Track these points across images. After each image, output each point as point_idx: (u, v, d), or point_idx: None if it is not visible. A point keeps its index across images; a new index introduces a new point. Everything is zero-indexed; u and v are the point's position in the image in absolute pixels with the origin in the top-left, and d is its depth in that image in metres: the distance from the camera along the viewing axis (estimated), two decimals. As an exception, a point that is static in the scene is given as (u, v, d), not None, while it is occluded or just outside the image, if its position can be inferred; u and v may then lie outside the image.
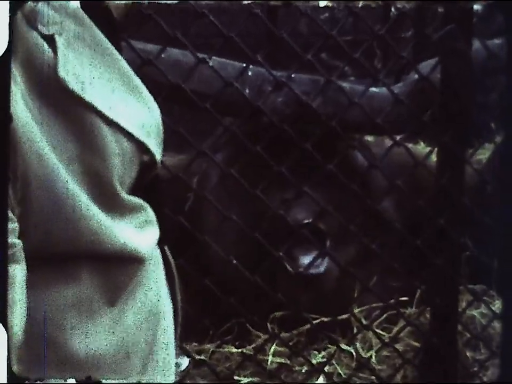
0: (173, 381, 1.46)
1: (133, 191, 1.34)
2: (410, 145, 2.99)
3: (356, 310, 2.95)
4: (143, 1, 2.23)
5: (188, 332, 1.63)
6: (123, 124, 1.27)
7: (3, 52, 1.17)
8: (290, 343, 2.85)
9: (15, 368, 1.17)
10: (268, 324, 2.92)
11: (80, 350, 1.26)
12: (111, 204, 1.28)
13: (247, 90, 2.70)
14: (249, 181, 2.59)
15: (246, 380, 2.80)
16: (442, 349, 2.67)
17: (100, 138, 1.24)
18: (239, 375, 2.78)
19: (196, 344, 2.92)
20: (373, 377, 2.80)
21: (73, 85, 1.22)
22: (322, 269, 2.89)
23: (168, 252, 1.49)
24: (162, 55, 2.48)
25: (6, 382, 1.17)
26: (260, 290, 2.60)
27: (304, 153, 2.58)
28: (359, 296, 2.89)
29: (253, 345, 2.92)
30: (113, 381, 1.30)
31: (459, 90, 2.62)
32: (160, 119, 1.38)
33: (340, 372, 2.83)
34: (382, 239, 2.86)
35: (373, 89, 2.83)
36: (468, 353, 2.85)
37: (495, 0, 2.98)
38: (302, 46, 2.58)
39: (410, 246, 2.72)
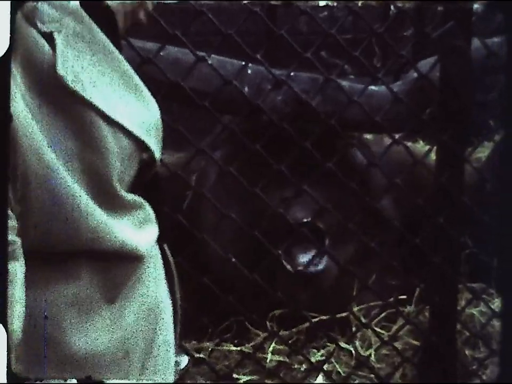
0: (173, 379, 1.46)
1: (132, 189, 1.34)
2: (409, 144, 2.99)
3: (355, 308, 2.95)
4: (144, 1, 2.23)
5: (187, 330, 1.63)
6: (122, 122, 1.27)
7: (4, 52, 1.17)
8: (289, 341, 2.86)
9: (14, 368, 1.17)
10: (267, 322, 2.92)
11: (79, 348, 1.26)
12: (110, 202, 1.28)
13: (246, 89, 2.70)
14: (248, 179, 2.59)
15: (245, 378, 2.80)
16: (441, 347, 2.67)
17: (99, 136, 1.24)
18: (238, 373, 2.78)
19: (195, 342, 2.92)
20: (372, 376, 2.80)
21: (72, 82, 1.22)
22: (321, 267, 2.89)
23: (167, 250, 1.49)
24: (162, 53, 2.48)
25: (5, 382, 1.17)
26: (259, 289, 2.60)
27: (304, 151, 2.57)
28: (358, 294, 2.89)
29: (252, 344, 2.92)
30: (115, 381, 1.30)
31: (458, 88, 2.62)
32: (160, 117, 1.38)
33: (339, 370, 2.83)
34: (381, 237, 2.86)
35: (372, 87, 2.83)
36: (467, 352, 2.85)
37: (495, 0, 2.98)
38: (302, 44, 2.58)
39: (410, 244, 2.72)
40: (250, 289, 2.61)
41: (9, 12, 1.18)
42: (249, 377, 2.80)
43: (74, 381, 1.25)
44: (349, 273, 2.81)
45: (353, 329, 2.93)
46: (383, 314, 2.97)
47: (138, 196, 1.35)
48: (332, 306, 2.90)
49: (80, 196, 1.23)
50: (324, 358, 2.86)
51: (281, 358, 2.85)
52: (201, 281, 2.53)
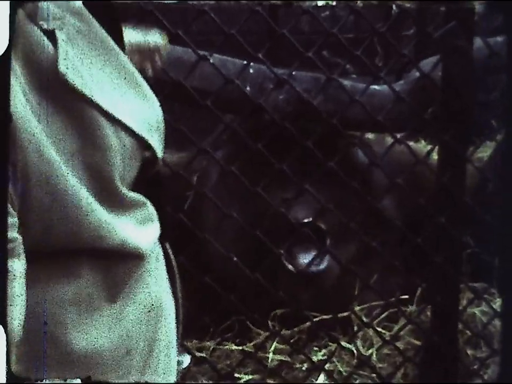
0: (174, 379, 1.45)
1: (134, 187, 1.34)
2: (411, 143, 2.99)
3: (357, 308, 2.95)
4: (144, 1, 2.23)
5: (189, 329, 1.63)
6: (124, 119, 1.26)
7: (3, 51, 1.17)
8: (291, 341, 2.86)
9: (14, 368, 1.17)
10: (269, 322, 2.92)
11: (80, 347, 1.26)
12: (112, 200, 1.27)
13: (248, 88, 2.70)
14: (249, 179, 2.59)
15: (246, 377, 2.80)
16: (443, 347, 2.67)
17: (100, 134, 1.24)
18: (239, 373, 2.78)
19: (196, 341, 2.93)
20: (374, 375, 2.79)
21: (74, 80, 1.22)
22: (323, 266, 2.89)
23: (169, 249, 1.49)
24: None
25: (5, 382, 1.17)
26: (260, 288, 2.60)
27: (305, 150, 2.57)
28: (360, 294, 2.89)
29: (254, 343, 2.92)
30: (117, 381, 1.30)
31: (460, 88, 2.62)
32: (161, 115, 1.38)
33: (341, 369, 2.83)
34: (383, 237, 2.86)
35: (374, 86, 2.82)
36: (468, 351, 2.84)
37: (496, 0, 2.98)
38: (304, 43, 2.58)
39: (411, 244, 2.72)
40: (252, 288, 2.61)
41: (9, 11, 1.18)
42: (250, 377, 2.80)
43: (79, 380, 1.25)
44: (351, 273, 2.81)
45: (355, 328, 2.92)
46: (384, 314, 2.97)
47: (140, 194, 1.35)
48: (333, 306, 2.90)
49: (81, 194, 1.22)
50: (325, 357, 2.86)
51: (282, 358, 2.85)
52: (202, 280, 2.53)
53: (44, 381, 1.23)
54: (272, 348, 2.87)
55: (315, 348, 2.93)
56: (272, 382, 2.77)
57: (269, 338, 2.85)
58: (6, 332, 1.15)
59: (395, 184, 2.75)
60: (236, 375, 2.76)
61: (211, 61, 2.53)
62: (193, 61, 2.51)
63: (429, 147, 3.06)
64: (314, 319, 2.83)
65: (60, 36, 1.23)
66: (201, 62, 2.51)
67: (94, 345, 1.27)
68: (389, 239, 2.93)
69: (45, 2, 1.23)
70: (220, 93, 2.54)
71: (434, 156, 2.78)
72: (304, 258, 2.88)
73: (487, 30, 3.01)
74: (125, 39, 1.36)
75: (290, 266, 2.87)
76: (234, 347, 2.93)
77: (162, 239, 1.44)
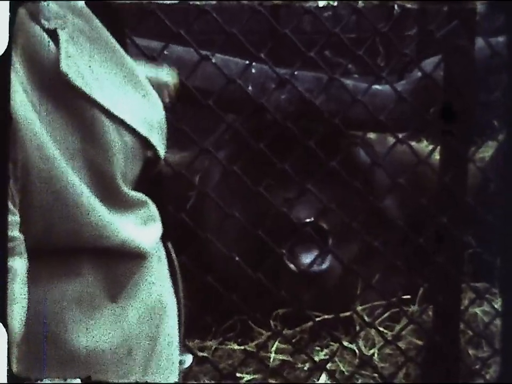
0: (176, 379, 1.45)
1: (136, 187, 1.33)
2: (413, 143, 2.99)
3: (359, 308, 2.95)
4: (144, 1, 2.23)
5: (191, 328, 1.63)
6: (125, 118, 1.26)
7: (4, 51, 1.17)
8: (293, 341, 2.85)
9: (15, 368, 1.17)
10: (271, 321, 2.92)
11: (81, 346, 1.26)
12: (113, 199, 1.27)
13: (250, 88, 2.70)
14: (251, 178, 2.59)
15: (248, 377, 2.80)
16: (444, 347, 2.67)
17: (101, 133, 1.24)
18: (241, 372, 2.79)
19: (198, 341, 2.93)
20: (376, 375, 2.80)
21: (75, 79, 1.22)
22: (325, 266, 2.89)
23: (171, 249, 1.49)
24: (166, 52, 2.48)
25: (6, 382, 1.17)
26: (262, 288, 2.60)
27: (307, 150, 2.57)
28: (362, 293, 2.89)
29: (255, 342, 2.92)
30: (118, 381, 1.30)
31: (462, 88, 2.62)
32: (163, 114, 1.38)
33: (342, 369, 2.83)
34: (385, 237, 2.86)
35: (376, 86, 2.83)
36: (470, 351, 2.84)
37: (497, 0, 2.98)
38: (305, 43, 2.58)
39: (413, 244, 2.72)
40: (253, 288, 2.61)
41: (9, 10, 1.18)
42: (252, 376, 2.80)
43: (78, 380, 1.25)
44: (353, 273, 2.81)
45: (357, 328, 2.92)
46: (386, 314, 2.97)
47: (143, 193, 1.35)
48: (335, 306, 2.90)
49: (82, 192, 1.22)
50: (327, 357, 2.86)
51: (284, 357, 2.85)
52: (204, 280, 2.53)
53: (44, 380, 1.23)
54: (274, 348, 2.87)
55: (317, 348, 2.93)
56: (274, 381, 2.77)
57: (271, 338, 2.85)
58: (7, 331, 1.15)
59: (397, 184, 2.75)
60: (238, 374, 2.76)
61: (213, 60, 2.53)
62: (195, 61, 2.51)
63: (430, 147, 3.07)
64: (316, 319, 2.83)
65: (62, 34, 1.23)
66: (203, 61, 2.51)
67: (95, 344, 1.27)
68: (391, 239, 2.93)
69: (46, 2, 1.23)
70: (221, 92, 2.54)
71: (436, 156, 2.78)
72: (306, 258, 2.88)
73: (489, 30, 3.01)
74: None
75: (292, 266, 2.87)
76: (236, 347, 2.93)
77: (164, 239, 1.44)
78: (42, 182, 1.19)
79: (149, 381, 1.36)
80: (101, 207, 1.25)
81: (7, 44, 1.17)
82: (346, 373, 2.82)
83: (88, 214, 1.23)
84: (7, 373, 1.16)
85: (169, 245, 1.48)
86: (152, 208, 1.38)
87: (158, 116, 1.35)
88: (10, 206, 1.17)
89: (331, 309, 2.89)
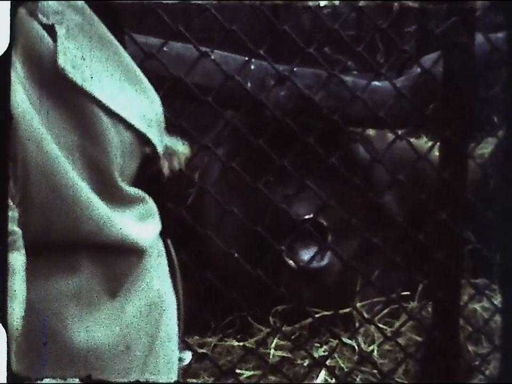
0: (176, 376, 1.45)
1: (135, 183, 1.34)
2: (412, 139, 2.99)
3: (358, 304, 2.95)
4: (145, 1, 2.23)
5: (190, 325, 1.63)
6: (124, 114, 1.27)
7: (4, 50, 1.17)
8: (292, 337, 2.86)
9: (14, 366, 1.17)
10: (270, 318, 2.93)
11: (80, 342, 1.26)
12: (111, 195, 1.27)
13: (249, 84, 2.70)
14: (251, 175, 2.59)
15: (247, 373, 2.80)
16: (444, 343, 2.67)
17: (100, 129, 1.24)
18: (241, 369, 2.79)
19: (197, 337, 2.93)
20: (375, 371, 2.80)
21: (73, 75, 1.22)
22: (324, 263, 2.90)
23: (170, 245, 1.49)
24: (165, 49, 2.48)
25: (5, 382, 1.17)
26: (261, 284, 2.60)
27: (306, 147, 2.57)
28: (361, 290, 2.89)
29: (255, 339, 2.93)
30: (117, 379, 1.30)
31: (461, 84, 2.62)
32: (162, 111, 1.38)
33: (342, 365, 2.83)
34: (384, 233, 2.86)
35: (376, 83, 2.83)
36: (469, 347, 2.85)
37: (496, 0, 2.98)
38: (305, 40, 2.58)
39: (413, 240, 2.71)
40: (253, 284, 2.61)
41: (9, 10, 1.18)
42: (252, 373, 2.80)
43: (77, 380, 1.25)
44: (352, 269, 2.81)
45: (356, 324, 2.93)
46: (386, 310, 2.98)
47: (141, 190, 1.35)
48: (334, 302, 2.91)
49: (81, 188, 1.22)
50: (326, 353, 2.86)
51: (284, 354, 2.86)
52: (204, 276, 2.53)
53: (44, 380, 1.23)
54: (274, 344, 2.88)
55: (316, 344, 2.93)
56: (273, 378, 2.77)
57: (270, 334, 2.85)
58: (6, 331, 1.16)
59: (396, 180, 2.75)
60: (237, 371, 2.76)
61: (212, 57, 2.53)
62: (194, 57, 2.51)
63: (430, 143, 3.06)
64: (316, 315, 2.84)
65: (60, 30, 1.23)
66: (202, 58, 2.51)
67: (93, 340, 1.27)
68: (390, 235, 2.93)
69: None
70: (221, 89, 2.54)
71: (436, 152, 2.78)
72: (306, 255, 2.89)
73: (488, 25, 3.01)
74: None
75: (291, 263, 2.87)
76: (235, 343, 2.93)
77: (163, 236, 1.44)
78: (41, 178, 1.19)
79: (148, 377, 1.36)
80: (99, 203, 1.25)
81: (8, 43, 1.17)
82: (345, 369, 2.82)
83: (87, 209, 1.23)
84: (7, 372, 1.16)
85: (169, 242, 1.49)
86: (151, 204, 1.38)
87: (156, 112, 1.35)
88: (9, 201, 1.17)
89: (330, 306, 2.89)
